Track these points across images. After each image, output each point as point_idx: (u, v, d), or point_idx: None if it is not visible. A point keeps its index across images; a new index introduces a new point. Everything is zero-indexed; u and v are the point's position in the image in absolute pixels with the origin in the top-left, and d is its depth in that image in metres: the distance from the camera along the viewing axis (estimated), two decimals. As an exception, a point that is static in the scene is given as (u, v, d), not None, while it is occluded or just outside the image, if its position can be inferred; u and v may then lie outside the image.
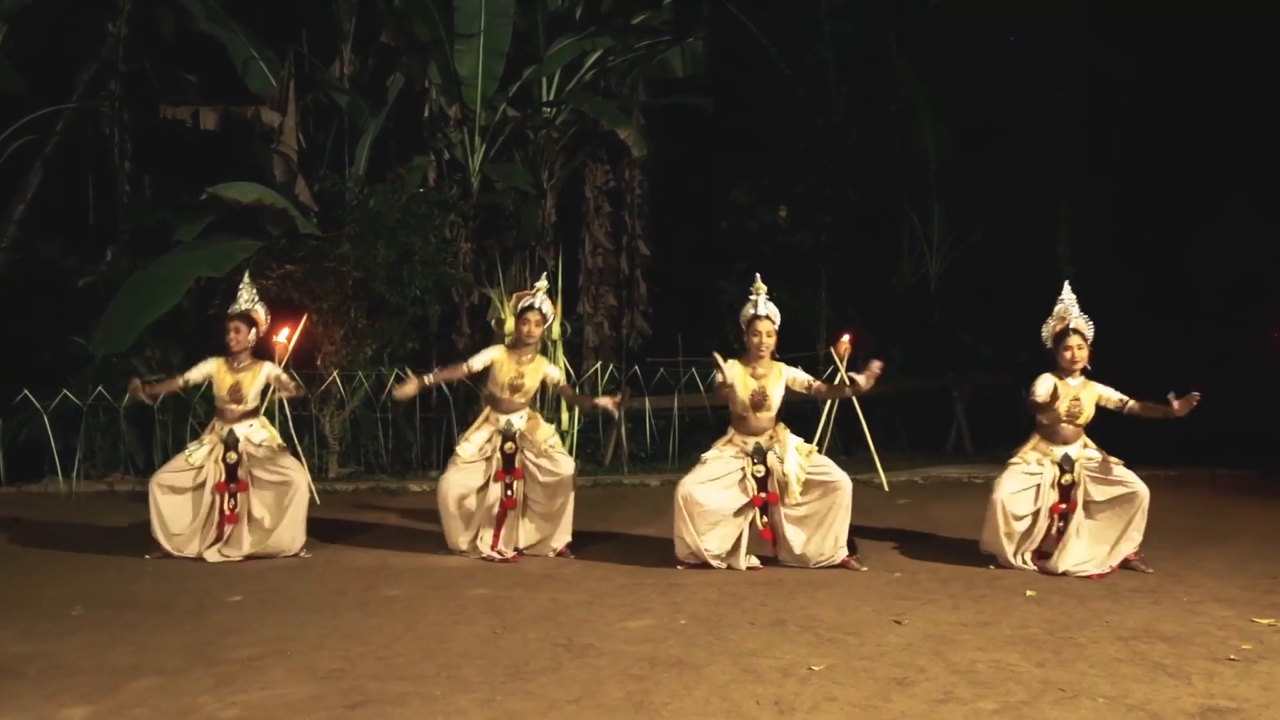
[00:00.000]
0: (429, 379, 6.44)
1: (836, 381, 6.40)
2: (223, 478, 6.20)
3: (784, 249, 12.62)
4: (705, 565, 5.79)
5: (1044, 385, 5.78)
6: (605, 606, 5.03)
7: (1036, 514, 5.79)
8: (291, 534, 6.23)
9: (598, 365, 10.76)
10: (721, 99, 12.05)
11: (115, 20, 11.29)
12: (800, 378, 5.95)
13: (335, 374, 9.54)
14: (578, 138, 11.41)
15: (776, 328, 5.92)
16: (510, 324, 7.33)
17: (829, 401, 8.64)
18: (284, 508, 6.20)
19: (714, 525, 5.81)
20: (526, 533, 6.32)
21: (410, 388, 6.31)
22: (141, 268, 9.69)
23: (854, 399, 7.83)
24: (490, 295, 10.25)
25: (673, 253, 12.72)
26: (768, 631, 4.58)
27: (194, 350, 9.78)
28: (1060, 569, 5.65)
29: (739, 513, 5.85)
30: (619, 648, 4.36)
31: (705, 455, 6.01)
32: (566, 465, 6.24)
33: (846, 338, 7.16)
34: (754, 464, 5.84)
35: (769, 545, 5.94)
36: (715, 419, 10.61)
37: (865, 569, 5.80)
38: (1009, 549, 5.79)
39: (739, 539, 5.86)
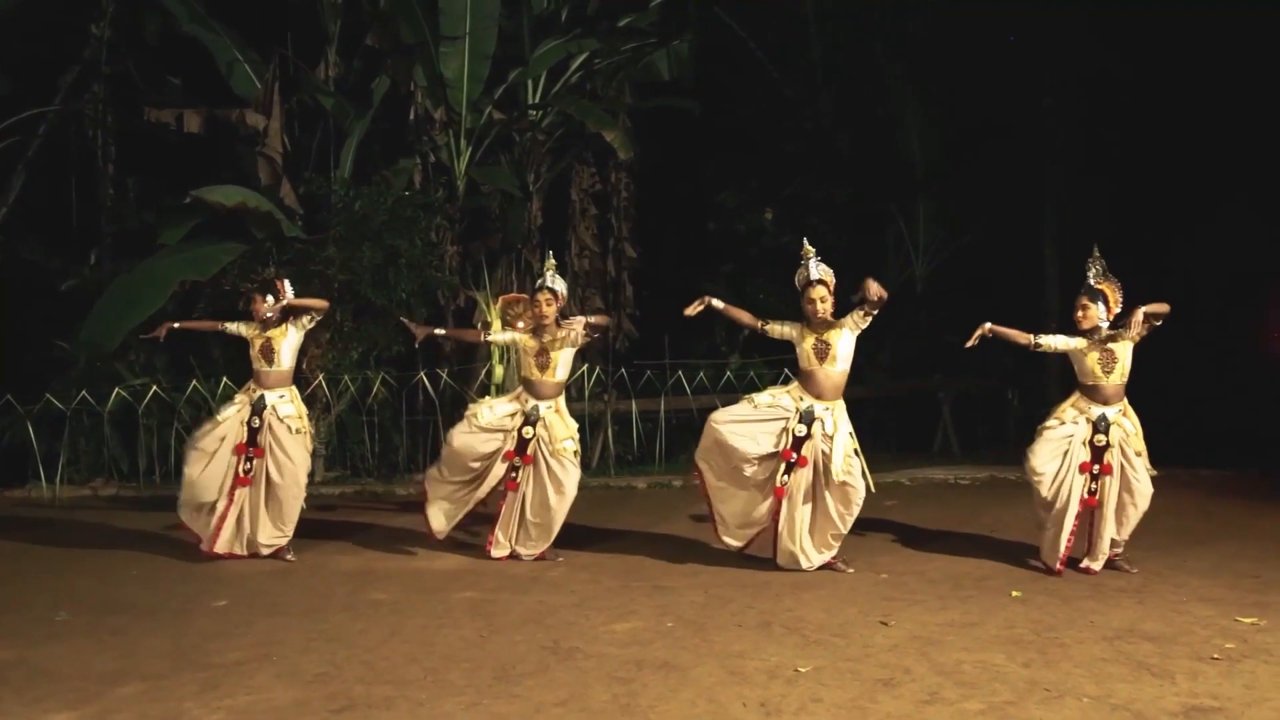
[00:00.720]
0: (440, 331, 6.72)
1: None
2: (243, 439, 6.27)
3: (771, 251, 12.64)
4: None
5: (1060, 340, 5.87)
6: (592, 609, 5.04)
7: (1066, 504, 5.68)
8: (274, 527, 6.26)
9: (585, 367, 10.76)
10: (708, 101, 12.06)
11: (99, 22, 11.25)
12: (858, 315, 5.87)
13: (321, 377, 9.51)
14: (564, 140, 11.41)
15: (832, 291, 5.92)
16: (497, 325, 7.32)
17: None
18: (276, 494, 6.23)
19: (734, 470, 5.81)
20: (520, 534, 6.23)
21: (421, 331, 6.56)
22: (125, 271, 9.66)
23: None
24: (476, 298, 10.24)
25: (659, 255, 12.73)
26: (754, 633, 4.59)
27: (178, 353, 9.80)
28: (1096, 569, 5.69)
29: (763, 474, 5.80)
30: (605, 650, 4.36)
31: (756, 397, 5.97)
32: (572, 476, 6.12)
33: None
34: (798, 421, 5.76)
35: (761, 549, 5.96)
36: (702, 421, 10.63)
37: (851, 570, 5.81)
38: (1052, 539, 5.71)
39: (759, 533, 5.89)
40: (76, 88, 11.42)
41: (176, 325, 6.66)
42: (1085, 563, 5.75)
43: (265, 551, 6.26)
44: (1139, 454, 5.76)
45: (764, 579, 5.63)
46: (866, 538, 6.72)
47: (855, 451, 5.83)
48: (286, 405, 6.37)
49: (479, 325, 9.88)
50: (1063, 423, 5.80)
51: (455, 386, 9.91)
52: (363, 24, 10.95)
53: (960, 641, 4.42)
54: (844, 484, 5.69)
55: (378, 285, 9.70)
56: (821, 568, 5.81)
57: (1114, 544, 5.77)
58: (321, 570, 6.03)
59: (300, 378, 9.15)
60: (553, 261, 6.54)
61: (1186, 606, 4.95)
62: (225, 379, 9.34)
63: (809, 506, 5.78)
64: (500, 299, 7.64)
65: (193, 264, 9.36)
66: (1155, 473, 5.83)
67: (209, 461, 6.25)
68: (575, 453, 6.17)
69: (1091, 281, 5.95)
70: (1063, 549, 5.68)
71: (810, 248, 6.04)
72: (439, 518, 6.36)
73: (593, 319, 6.43)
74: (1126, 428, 5.77)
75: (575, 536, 6.72)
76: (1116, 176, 12.17)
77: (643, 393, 10.46)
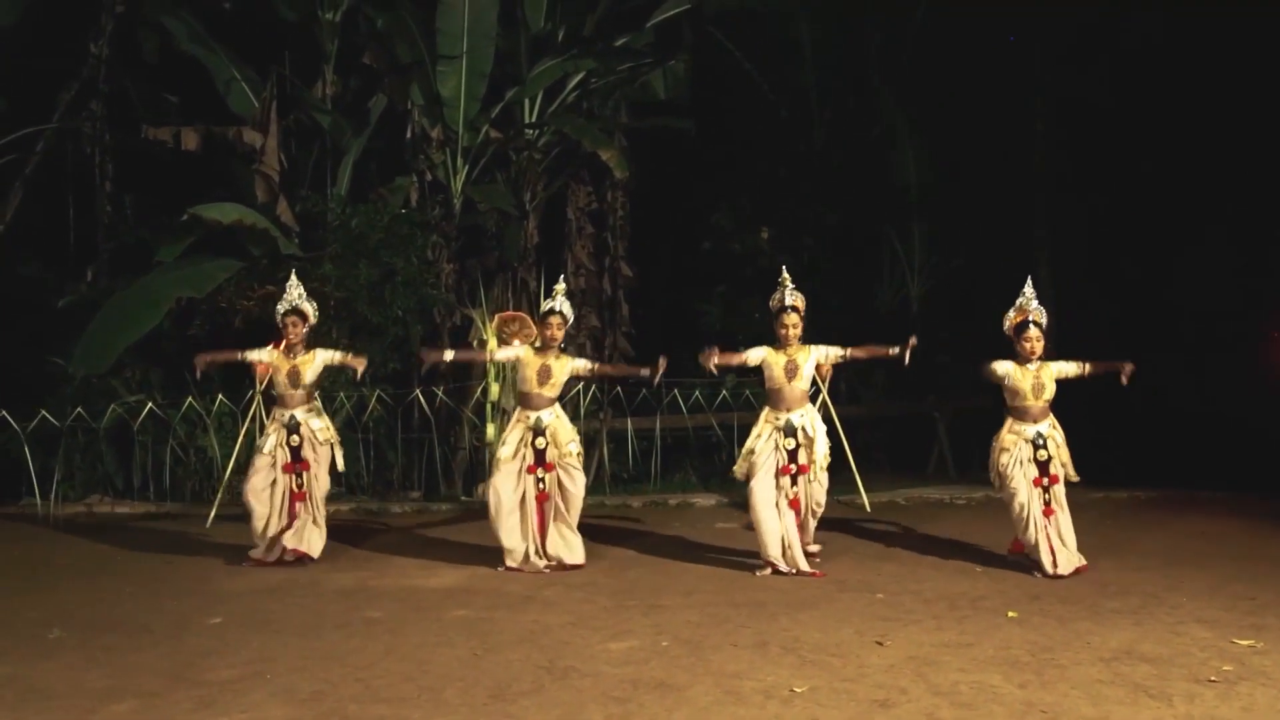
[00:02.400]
0: (448, 355, 7.10)
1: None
2: (289, 459, 6.69)
3: (766, 272, 12.65)
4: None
5: (1001, 367, 6.38)
6: (587, 628, 5.02)
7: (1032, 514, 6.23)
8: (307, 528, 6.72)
9: (580, 386, 10.75)
10: (703, 122, 12.10)
11: (97, 41, 11.27)
12: (833, 352, 6.49)
13: (316, 394, 9.48)
14: (560, 159, 11.44)
15: (802, 318, 6.46)
16: (493, 344, 7.35)
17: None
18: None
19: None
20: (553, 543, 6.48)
21: (433, 357, 7.11)
22: (122, 288, 9.64)
23: (837, 422, 7.92)
24: (473, 316, 10.24)
25: (655, 274, 12.74)
26: (750, 653, 4.57)
27: (174, 370, 9.77)
28: (1065, 572, 6.10)
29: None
30: (601, 669, 4.34)
31: (753, 445, 6.40)
32: (579, 481, 6.50)
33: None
34: (785, 437, 6.28)
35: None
36: (697, 441, 10.64)
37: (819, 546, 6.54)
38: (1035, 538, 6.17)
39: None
40: (75, 105, 11.43)
41: (208, 358, 7.00)
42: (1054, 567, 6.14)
43: (289, 557, 6.64)
44: (1065, 464, 6.38)
45: (760, 599, 5.62)
46: (862, 558, 6.73)
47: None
48: (316, 419, 6.85)
49: (475, 343, 9.88)
50: (1007, 449, 6.33)
51: (451, 404, 9.90)
52: (360, 43, 11.00)
53: (956, 662, 4.41)
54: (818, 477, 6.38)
55: (374, 303, 9.70)
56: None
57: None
58: (316, 588, 6.00)
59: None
60: (562, 285, 6.78)
61: (1184, 628, 4.93)
62: (220, 396, 9.34)
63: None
64: (496, 317, 7.66)
65: (189, 281, 9.36)
66: (1077, 479, 6.44)
67: (269, 494, 6.68)
68: (579, 455, 6.54)
69: (1036, 314, 6.41)
70: (1048, 551, 6.13)
71: (787, 276, 6.52)
72: (514, 546, 6.42)
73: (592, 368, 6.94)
74: (1058, 439, 6.37)
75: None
76: (1094, 202, 12.23)
77: (638, 411, 10.45)
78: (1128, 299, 12.20)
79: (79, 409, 9.33)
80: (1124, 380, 6.39)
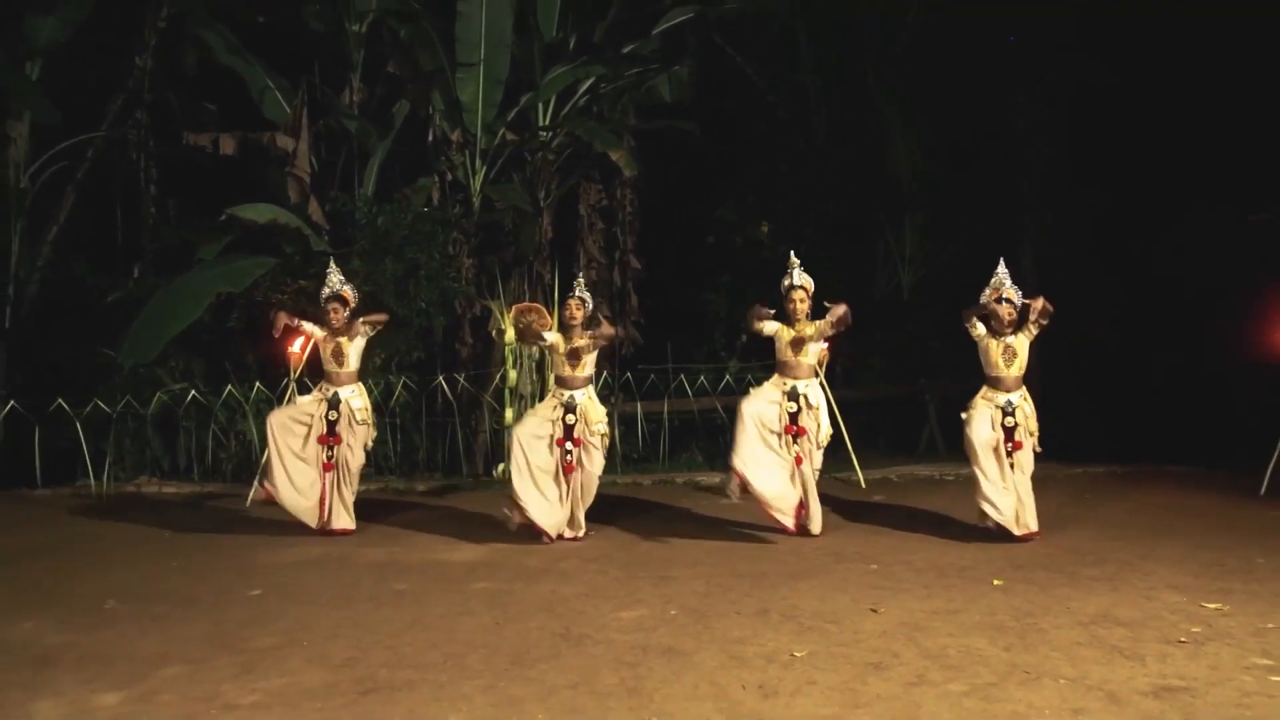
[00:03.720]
0: (547, 337, 6.90)
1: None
2: (325, 431, 6.82)
3: (767, 262, 12.62)
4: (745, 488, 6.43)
5: (978, 328, 6.55)
6: (601, 598, 5.05)
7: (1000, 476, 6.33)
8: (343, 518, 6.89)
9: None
10: (708, 122, 12.07)
11: (142, 54, 11.30)
12: (824, 323, 6.52)
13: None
14: (572, 159, 11.42)
15: (810, 294, 6.62)
16: (510, 334, 7.41)
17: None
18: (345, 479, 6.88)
19: (765, 447, 6.45)
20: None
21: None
22: (165, 284, 9.68)
23: (833, 404, 7.94)
24: (491, 307, 10.24)
25: (662, 266, 12.72)
26: (753, 620, 4.59)
27: (215, 360, 9.83)
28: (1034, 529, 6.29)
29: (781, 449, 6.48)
30: (613, 637, 4.37)
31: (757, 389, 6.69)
32: (597, 460, 6.63)
33: (825, 345, 7.22)
34: (788, 401, 6.48)
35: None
36: (703, 423, 10.65)
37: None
38: (993, 510, 6.28)
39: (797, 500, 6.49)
40: (121, 115, 11.47)
41: (285, 317, 7.00)
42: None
43: (337, 527, 6.82)
44: (1032, 434, 6.46)
45: (762, 570, 5.64)
46: (857, 531, 6.74)
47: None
48: (357, 399, 6.99)
49: (493, 333, 9.88)
50: (976, 407, 6.47)
51: (472, 390, 9.92)
52: (384, 53, 11.00)
53: (945, 627, 4.43)
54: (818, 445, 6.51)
55: (399, 296, 9.72)
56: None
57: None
58: (348, 562, 6.04)
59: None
60: (581, 279, 7.01)
61: (1156, 594, 4.95)
62: (258, 384, 9.39)
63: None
64: (513, 308, 7.70)
65: (227, 277, 9.39)
66: (1039, 450, 6.53)
67: (295, 425, 6.83)
68: (604, 436, 6.65)
69: (1011, 289, 6.57)
70: (1013, 516, 6.27)
71: (796, 259, 6.72)
72: (525, 501, 6.45)
73: (603, 332, 6.90)
74: (1026, 410, 6.44)
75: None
76: (1094, 187, 12.12)
77: (647, 395, 10.46)
78: (1114, 281, 12.10)
79: (128, 397, 9.40)
80: (1033, 313, 6.41)
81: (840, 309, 6.41)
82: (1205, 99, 11.18)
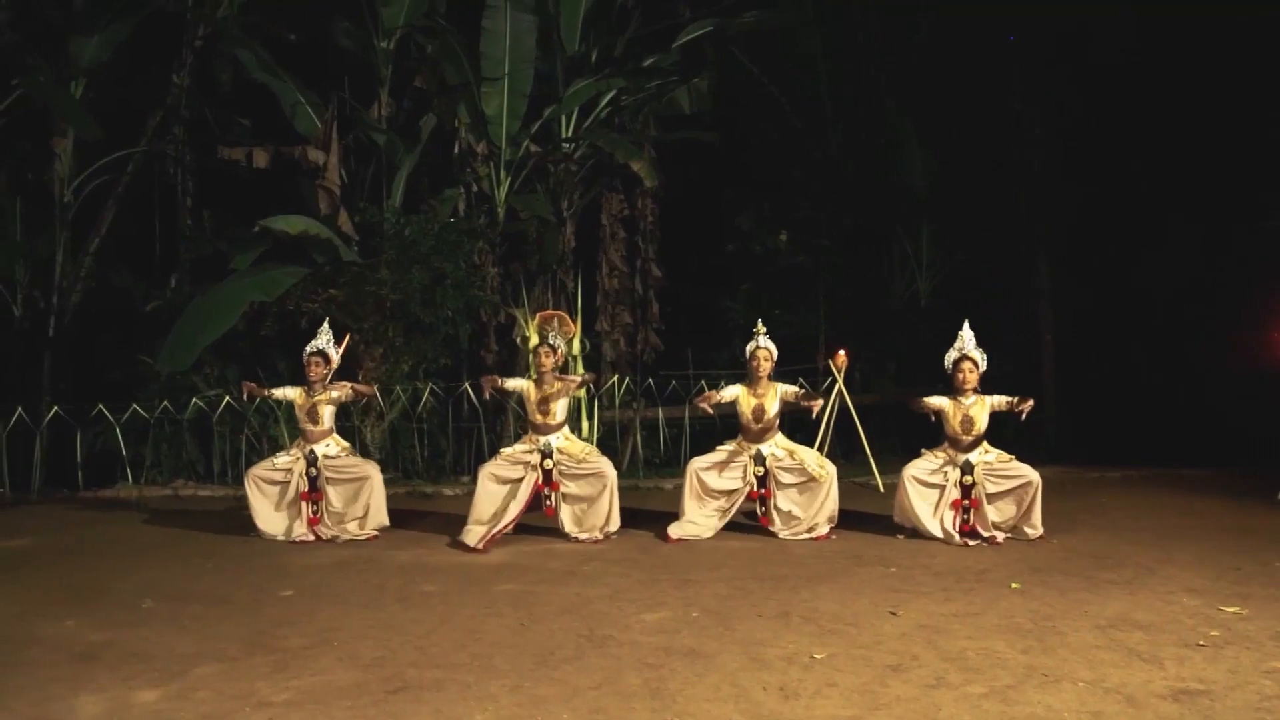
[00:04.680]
0: (502, 383, 6.98)
1: (810, 397, 6.83)
2: (306, 489, 6.83)
3: (784, 271, 12.61)
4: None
5: (935, 400, 6.58)
6: (624, 601, 5.03)
7: (942, 490, 6.40)
8: (372, 519, 6.89)
9: (615, 378, 10.77)
10: (726, 133, 12.06)
11: (179, 72, 11.44)
12: (789, 390, 6.66)
13: (375, 388, 9.57)
14: (594, 170, 11.44)
15: (774, 359, 6.70)
16: (535, 340, 7.41)
17: (829, 410, 8.62)
18: (360, 497, 6.86)
19: (712, 498, 6.64)
20: (568, 520, 6.66)
21: (490, 382, 6.96)
22: (201, 293, 9.77)
23: (852, 409, 7.90)
24: (516, 315, 10.28)
25: (683, 275, 12.72)
26: (774, 623, 4.57)
27: (248, 367, 9.91)
28: (983, 535, 6.33)
29: (732, 494, 6.64)
30: (636, 638, 4.35)
31: (720, 448, 6.80)
32: (605, 465, 6.67)
33: (843, 352, 7.27)
34: (755, 465, 6.58)
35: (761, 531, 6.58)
36: (724, 427, 10.60)
37: (834, 537, 6.54)
38: (915, 519, 6.43)
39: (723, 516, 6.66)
40: (159, 131, 11.61)
41: (250, 386, 7.18)
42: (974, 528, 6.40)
43: (364, 536, 6.84)
44: (1009, 460, 6.43)
45: (782, 573, 5.61)
46: (876, 534, 6.69)
47: (795, 450, 6.71)
48: (333, 448, 6.99)
49: (518, 340, 9.91)
50: (936, 457, 6.52)
51: (497, 397, 9.95)
52: (412, 68, 11.07)
53: (964, 630, 4.38)
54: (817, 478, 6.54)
55: (426, 304, 9.75)
56: (818, 538, 6.55)
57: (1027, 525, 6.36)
58: (377, 564, 6.06)
59: (357, 400, 9.27)
60: (555, 326, 7.07)
61: (1174, 597, 4.88)
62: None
63: (799, 497, 6.64)
64: (537, 315, 7.71)
65: (261, 286, 9.46)
66: (1039, 533, 6.39)
67: (270, 487, 6.91)
68: (590, 452, 6.75)
69: (972, 354, 6.54)
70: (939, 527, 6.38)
71: (762, 327, 6.82)
72: (478, 518, 6.59)
73: (583, 377, 7.03)
74: (988, 459, 6.42)
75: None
76: (1101, 192, 12.02)
77: (668, 401, 10.44)
78: (1118, 286, 12.00)
79: (165, 402, 9.49)
80: (1022, 414, 6.42)
81: (817, 403, 6.56)
82: (1219, 99, 11.07)
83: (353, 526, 6.86)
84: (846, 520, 6.99)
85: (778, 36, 12.57)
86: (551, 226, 10.85)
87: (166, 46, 11.42)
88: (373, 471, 6.91)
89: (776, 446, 6.67)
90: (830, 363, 7.35)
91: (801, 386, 6.95)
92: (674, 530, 6.58)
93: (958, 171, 12.36)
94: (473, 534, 6.45)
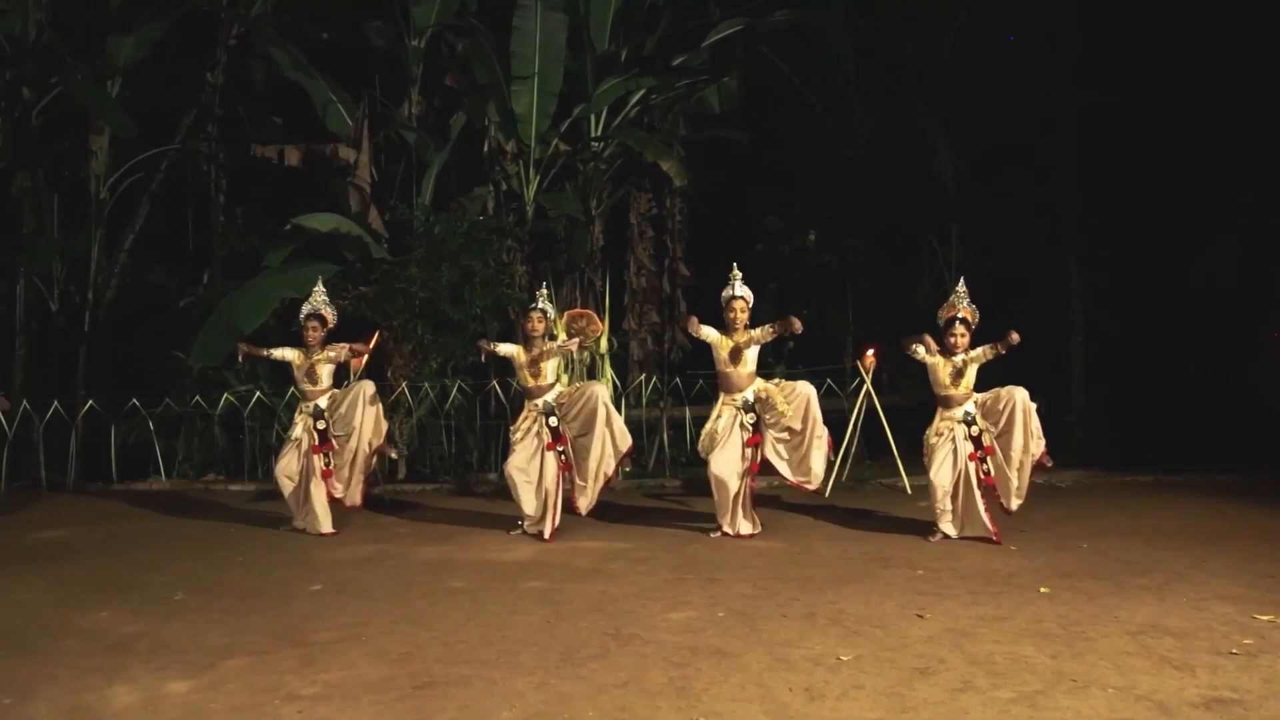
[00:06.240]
0: (495, 347, 7.00)
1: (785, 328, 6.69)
2: (315, 442, 6.97)
3: (813, 270, 12.55)
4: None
5: (922, 350, 6.54)
6: (650, 599, 5.03)
7: (960, 480, 6.36)
8: (367, 430, 7.01)
9: (642, 376, 10.78)
10: (755, 133, 12.04)
11: (213, 70, 11.57)
12: (764, 328, 6.61)
13: (404, 385, 9.64)
14: (623, 169, 11.46)
15: (749, 305, 6.74)
16: (562, 338, 7.44)
17: (856, 411, 8.59)
18: (357, 404, 6.95)
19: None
20: (582, 471, 6.77)
21: (486, 346, 6.95)
22: (234, 290, 9.89)
23: (879, 410, 7.84)
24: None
25: (711, 274, 12.68)
26: (799, 624, 4.55)
27: (279, 364, 10.00)
28: (1013, 508, 6.35)
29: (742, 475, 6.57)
30: (662, 637, 4.35)
31: (714, 426, 6.68)
32: (595, 386, 6.91)
33: (871, 352, 7.23)
34: (745, 413, 6.57)
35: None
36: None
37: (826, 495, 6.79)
38: (946, 522, 6.41)
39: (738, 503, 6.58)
40: (193, 129, 11.75)
41: (246, 348, 7.23)
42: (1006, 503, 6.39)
43: (375, 456, 7.17)
44: (990, 395, 6.42)
45: (808, 573, 5.59)
46: (903, 536, 6.65)
47: (779, 383, 6.76)
48: (332, 397, 7.10)
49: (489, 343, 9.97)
50: (941, 434, 6.46)
51: (499, 359, 9.97)
52: (442, 67, 11.13)
53: (991, 634, 4.35)
54: (799, 395, 6.54)
55: (455, 302, 9.80)
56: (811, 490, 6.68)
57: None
58: (404, 560, 6.11)
59: (384, 385, 9.35)
60: (545, 291, 7.10)
61: (1206, 604, 4.80)
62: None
63: (791, 451, 6.63)
64: (565, 314, 7.74)
65: (292, 283, 9.55)
66: (1050, 465, 6.53)
67: (297, 469, 6.99)
68: (594, 397, 6.75)
69: (965, 310, 6.51)
70: (988, 520, 6.30)
71: (737, 271, 6.83)
72: (527, 510, 6.77)
73: (566, 344, 7.02)
74: (979, 400, 6.44)
75: (632, 532, 6.77)
76: (1132, 190, 11.87)
77: (696, 400, 10.42)
78: (1152, 287, 11.84)
79: (197, 397, 9.60)
80: (1005, 346, 6.32)
81: (793, 321, 6.42)
82: (1256, 96, 10.90)
83: (361, 449, 7.02)
84: (872, 522, 6.97)
85: (808, 35, 12.53)
86: (580, 225, 10.88)
87: (201, 45, 11.56)
88: (364, 385, 7.05)
89: (758, 388, 6.69)
90: (858, 363, 7.32)
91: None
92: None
93: (988, 171, 12.26)
94: (534, 527, 6.68)
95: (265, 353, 7.26)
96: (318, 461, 6.97)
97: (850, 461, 8.39)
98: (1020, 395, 6.32)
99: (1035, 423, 6.33)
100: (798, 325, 6.35)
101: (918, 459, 6.89)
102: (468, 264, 9.85)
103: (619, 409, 9.66)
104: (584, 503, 6.78)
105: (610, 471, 6.78)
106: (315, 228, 9.67)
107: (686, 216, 12.02)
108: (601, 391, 6.78)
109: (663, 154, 10.74)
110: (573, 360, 9.50)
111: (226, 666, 4.02)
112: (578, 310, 7.86)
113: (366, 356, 7.38)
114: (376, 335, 7.66)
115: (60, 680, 3.89)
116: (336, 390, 7.19)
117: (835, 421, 8.69)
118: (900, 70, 12.68)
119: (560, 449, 6.74)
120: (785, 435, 6.61)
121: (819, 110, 12.99)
